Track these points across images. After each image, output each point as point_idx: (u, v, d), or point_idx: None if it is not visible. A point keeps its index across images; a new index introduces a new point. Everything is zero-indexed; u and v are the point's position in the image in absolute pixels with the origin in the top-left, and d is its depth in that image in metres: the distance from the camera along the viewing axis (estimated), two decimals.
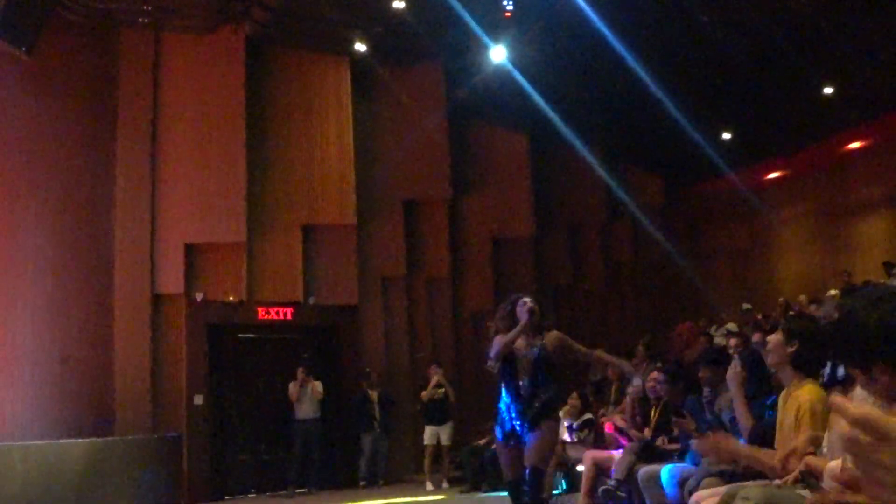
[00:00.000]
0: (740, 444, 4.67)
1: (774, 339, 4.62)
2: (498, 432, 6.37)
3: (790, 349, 4.46)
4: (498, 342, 6.36)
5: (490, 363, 6.46)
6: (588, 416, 11.47)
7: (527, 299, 6.54)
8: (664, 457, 7.29)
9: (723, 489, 5.03)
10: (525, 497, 6.09)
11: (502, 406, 6.32)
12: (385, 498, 12.68)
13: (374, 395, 14.25)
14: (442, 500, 12.52)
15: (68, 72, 13.46)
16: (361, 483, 14.16)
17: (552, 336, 6.50)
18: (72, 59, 13.49)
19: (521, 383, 6.27)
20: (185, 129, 13.89)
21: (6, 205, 12.72)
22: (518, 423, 6.19)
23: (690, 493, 5.68)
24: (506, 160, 17.15)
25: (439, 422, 13.85)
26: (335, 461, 14.32)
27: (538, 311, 6.48)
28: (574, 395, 11.87)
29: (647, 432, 8.61)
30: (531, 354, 6.35)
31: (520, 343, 6.35)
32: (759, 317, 14.84)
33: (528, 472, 6.05)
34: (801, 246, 19.12)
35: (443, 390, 14.06)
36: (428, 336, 16.02)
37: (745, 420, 5.46)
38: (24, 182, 12.91)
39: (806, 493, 3.69)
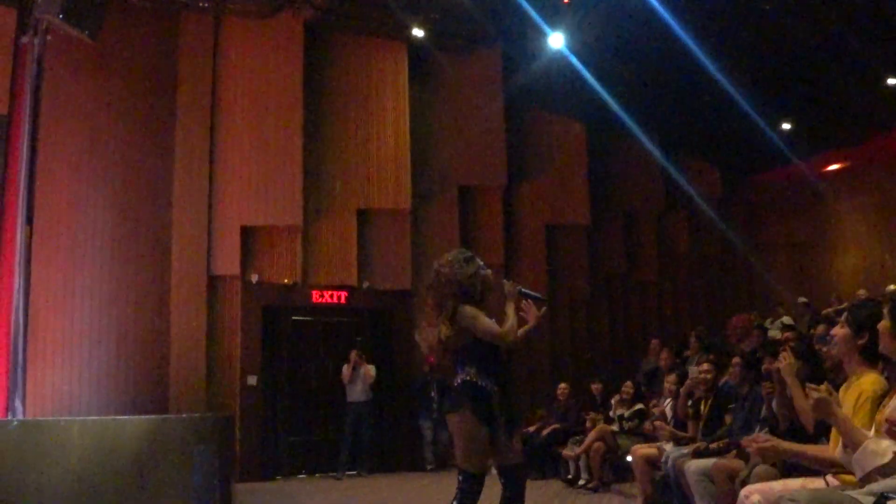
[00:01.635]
0: (785, 443, 4.60)
1: (841, 332, 4.53)
2: (475, 412, 5.09)
3: (860, 341, 4.38)
4: (487, 322, 5.22)
5: (428, 347, 5.36)
6: (639, 406, 11.43)
7: (480, 260, 5.56)
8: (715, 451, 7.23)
9: (776, 485, 5.00)
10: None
11: (482, 383, 5.14)
12: (435, 483, 12.74)
13: (433, 380, 14.27)
14: None
15: (130, 56, 13.64)
16: (429, 467, 14.24)
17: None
18: (133, 43, 13.67)
19: (505, 366, 5.37)
20: (243, 112, 14.02)
21: (69, 186, 12.95)
22: (499, 410, 5.15)
23: (743, 484, 5.64)
24: (562, 148, 17.07)
25: None
26: (386, 444, 14.41)
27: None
28: (628, 383, 11.84)
29: (692, 428, 8.57)
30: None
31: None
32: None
33: (516, 467, 5.24)
34: (860, 239, 18.80)
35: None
36: None
37: (806, 412, 5.38)
38: (86, 164, 13.14)
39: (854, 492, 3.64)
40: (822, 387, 4.16)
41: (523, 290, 5.50)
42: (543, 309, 5.60)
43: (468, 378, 5.13)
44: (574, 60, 14.58)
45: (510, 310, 5.34)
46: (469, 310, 5.22)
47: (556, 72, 15.00)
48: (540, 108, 16.94)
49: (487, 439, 5.05)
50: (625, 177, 18.07)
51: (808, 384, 4.07)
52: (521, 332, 5.33)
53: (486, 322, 5.20)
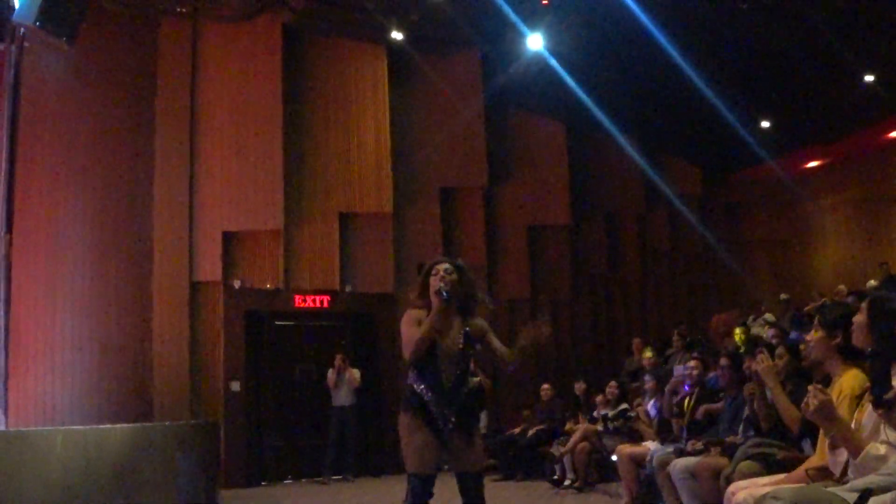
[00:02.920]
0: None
1: (816, 336, 4.57)
2: (412, 411, 4.97)
3: (834, 341, 4.44)
4: (407, 334, 5.01)
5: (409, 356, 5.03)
6: (624, 405, 11.46)
7: (442, 265, 5.10)
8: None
9: (761, 481, 5.02)
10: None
11: (417, 387, 5.00)
12: None
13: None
14: None
15: (108, 61, 13.59)
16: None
17: (476, 323, 5.15)
18: (111, 49, 13.63)
19: (442, 372, 4.97)
20: (223, 117, 13.99)
21: (47, 194, 12.89)
22: (437, 411, 4.94)
23: (728, 481, 5.65)
24: (542, 148, 17.11)
25: None
26: (371, 448, 14.38)
27: (459, 284, 5.06)
28: (612, 383, 11.87)
29: (676, 426, 8.59)
30: (458, 343, 5.04)
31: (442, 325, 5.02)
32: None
33: (471, 476, 5.02)
34: (841, 235, 18.89)
35: (478, 379, 14.07)
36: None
37: (790, 412, 5.40)
38: (65, 171, 13.08)
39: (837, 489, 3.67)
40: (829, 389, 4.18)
41: (441, 289, 4.97)
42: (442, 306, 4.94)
43: (408, 382, 5.07)
44: (553, 61, 14.61)
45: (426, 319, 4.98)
46: (406, 315, 5.11)
47: (535, 73, 15.04)
48: (520, 109, 16.98)
49: (426, 441, 4.90)
50: (605, 176, 18.11)
51: (815, 385, 4.08)
52: (415, 341, 4.91)
53: (404, 332, 5.02)
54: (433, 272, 5.07)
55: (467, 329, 5.06)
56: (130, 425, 8.43)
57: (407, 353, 4.95)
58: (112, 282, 13.18)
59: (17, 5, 10.41)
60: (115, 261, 13.24)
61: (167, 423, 10.21)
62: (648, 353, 12.26)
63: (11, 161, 12.59)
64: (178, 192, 13.66)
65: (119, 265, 13.27)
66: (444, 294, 4.92)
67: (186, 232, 13.62)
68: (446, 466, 5.00)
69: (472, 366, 5.29)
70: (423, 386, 4.96)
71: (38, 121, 12.96)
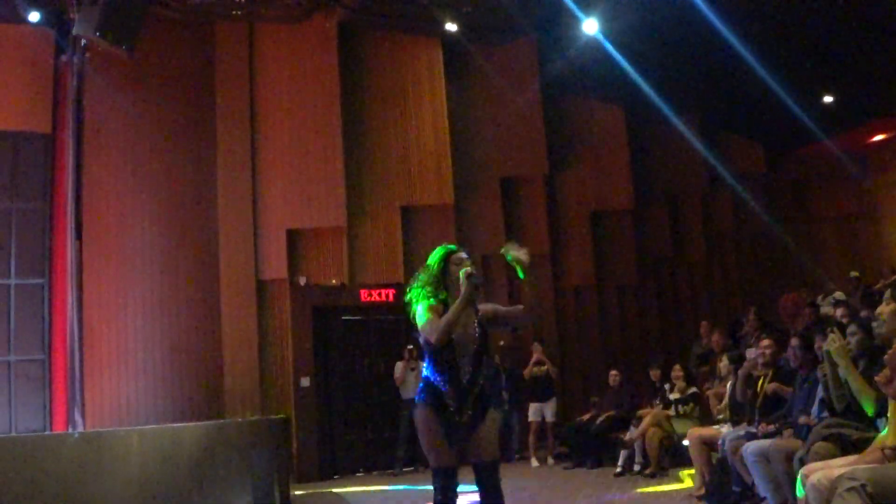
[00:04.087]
0: None
1: (888, 309, 4.50)
2: (430, 405, 4.89)
3: None
4: (432, 320, 4.84)
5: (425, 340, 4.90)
6: (693, 389, 11.38)
7: (463, 255, 5.06)
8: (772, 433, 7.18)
9: (835, 462, 4.96)
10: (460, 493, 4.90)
11: (434, 380, 4.92)
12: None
13: (502, 368, 14.29)
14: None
15: (168, 67, 13.81)
16: None
17: (487, 309, 5.07)
18: (170, 55, 13.85)
19: (460, 363, 4.88)
20: (282, 117, 14.12)
21: (114, 200, 13.15)
22: (454, 405, 4.84)
23: (802, 463, 5.60)
24: (602, 133, 17.00)
25: (543, 398, 13.89)
26: None
27: (481, 281, 4.97)
28: (677, 367, 11.79)
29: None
30: (473, 333, 4.94)
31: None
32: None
33: (486, 465, 4.90)
34: None
35: (545, 367, 14.08)
36: None
37: (866, 391, 5.32)
38: (131, 177, 13.33)
39: None
40: None
41: (473, 275, 4.85)
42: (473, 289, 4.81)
43: (423, 375, 4.97)
44: (609, 45, 14.49)
45: (453, 305, 4.83)
46: (420, 307, 4.92)
47: (591, 57, 14.92)
48: (577, 95, 16.89)
49: (444, 434, 4.81)
50: (666, 159, 17.94)
51: None
52: (444, 324, 4.75)
53: (425, 321, 4.84)
54: (454, 261, 4.99)
55: (479, 316, 4.96)
56: (204, 423, 8.58)
57: (435, 336, 4.75)
58: (180, 283, 13.41)
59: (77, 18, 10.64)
60: (182, 263, 13.48)
61: (240, 420, 10.37)
62: (716, 336, 12.12)
63: (78, 169, 12.86)
64: (241, 192, 13.84)
65: (186, 267, 13.50)
66: (476, 280, 4.81)
67: (251, 231, 13.81)
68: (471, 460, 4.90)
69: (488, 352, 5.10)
70: (439, 378, 4.87)
71: (102, 129, 13.21)
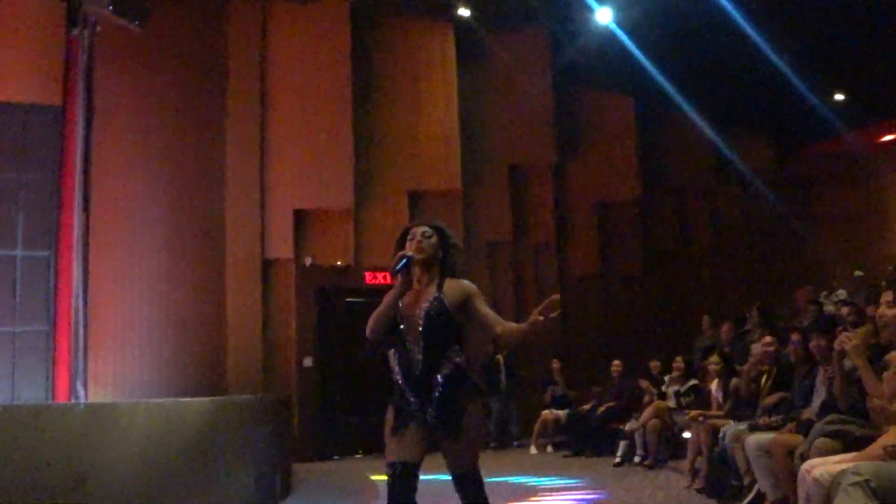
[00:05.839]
0: None
1: (891, 312, 4.49)
2: (392, 404, 4.50)
3: None
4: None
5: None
6: (694, 381, 11.39)
7: (419, 229, 4.53)
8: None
9: (836, 458, 4.97)
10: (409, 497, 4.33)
11: (394, 376, 4.50)
12: (497, 459, 12.79)
13: (500, 359, 14.35)
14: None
15: (179, 44, 13.78)
16: (491, 444, 14.35)
17: (456, 286, 4.44)
18: (182, 31, 13.82)
19: (410, 353, 4.38)
20: (292, 97, 14.11)
21: (122, 175, 13.15)
22: (415, 402, 4.37)
23: (802, 458, 5.60)
24: (611, 124, 17.00)
25: (559, 408, 13.96)
26: None
27: (431, 248, 4.45)
28: (678, 359, 11.80)
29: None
30: (419, 312, 4.38)
31: (408, 297, 4.43)
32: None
33: (458, 478, 4.42)
34: None
35: (561, 388, 14.23)
36: (534, 301, 16.01)
37: (877, 390, 5.31)
38: (139, 153, 13.32)
39: None
40: None
41: (405, 254, 4.43)
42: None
43: (462, 364, 4.45)
44: (621, 35, 14.47)
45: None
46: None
47: (603, 47, 14.92)
48: (588, 85, 16.87)
49: (395, 427, 4.36)
50: (675, 151, 17.93)
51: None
52: (371, 319, 4.40)
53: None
54: (409, 237, 4.51)
55: (439, 294, 4.39)
56: (209, 399, 8.61)
57: (367, 330, 4.39)
58: (186, 260, 13.42)
59: None
60: (188, 239, 13.48)
61: (244, 397, 10.39)
62: (726, 329, 12.10)
63: (87, 143, 12.82)
64: (249, 171, 13.84)
65: (193, 244, 13.51)
66: (404, 261, 4.37)
67: (258, 210, 13.82)
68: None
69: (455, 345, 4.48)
70: (396, 370, 4.44)
71: (112, 103, 13.18)
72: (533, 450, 13.56)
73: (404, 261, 4.36)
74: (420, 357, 4.34)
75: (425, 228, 4.51)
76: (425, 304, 4.36)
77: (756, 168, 18.29)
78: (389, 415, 4.44)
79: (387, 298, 4.37)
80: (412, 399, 4.34)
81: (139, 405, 6.82)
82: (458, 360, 4.37)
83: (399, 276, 4.38)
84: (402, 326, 4.38)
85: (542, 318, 4.20)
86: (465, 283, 4.48)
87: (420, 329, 4.34)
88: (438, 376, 4.32)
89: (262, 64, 14.18)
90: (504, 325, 4.41)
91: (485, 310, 4.42)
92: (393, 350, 4.46)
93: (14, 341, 12.38)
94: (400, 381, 4.40)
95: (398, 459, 4.32)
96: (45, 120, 12.90)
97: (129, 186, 13.19)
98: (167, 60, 13.65)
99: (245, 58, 14.10)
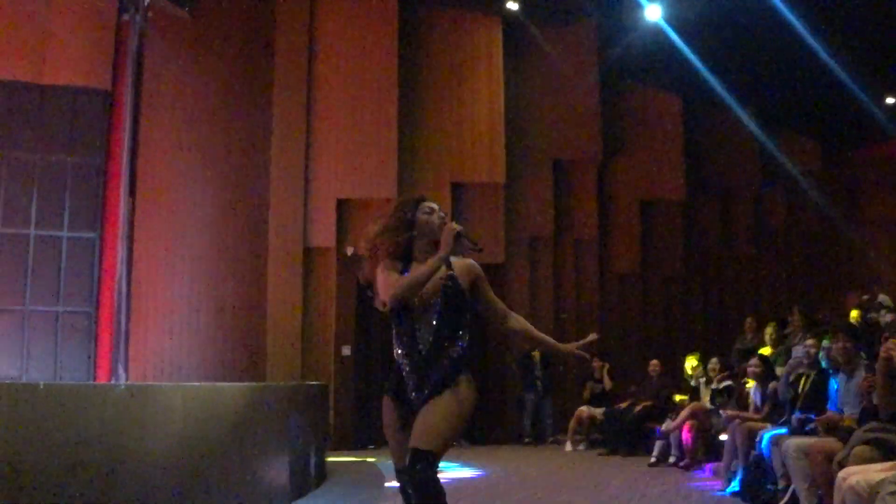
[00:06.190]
0: None
1: None
2: (390, 393, 4.17)
3: None
4: (390, 277, 4.11)
5: (379, 303, 4.22)
6: (728, 382, 11.27)
7: (433, 205, 4.26)
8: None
9: (875, 467, 4.92)
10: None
11: (396, 356, 4.22)
12: (531, 455, 12.79)
13: (536, 355, 14.36)
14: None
15: (227, 31, 13.88)
16: (526, 440, 14.36)
17: (464, 265, 4.20)
18: (230, 19, 13.92)
19: (417, 332, 4.09)
20: (338, 87, 14.17)
21: (169, 161, 13.26)
22: (413, 384, 4.08)
23: (840, 465, 5.55)
24: (658, 122, 16.91)
25: (597, 405, 13.91)
26: (482, 416, 14.50)
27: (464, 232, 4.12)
28: (713, 360, 11.71)
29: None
30: (435, 291, 4.08)
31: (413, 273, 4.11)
32: None
33: (408, 458, 3.92)
34: None
35: (602, 385, 14.16)
36: (573, 297, 16.01)
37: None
38: (186, 139, 13.43)
39: None
40: None
41: (462, 234, 4.11)
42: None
43: (467, 346, 4.15)
44: (671, 32, 14.38)
45: (429, 259, 4.05)
46: (381, 267, 4.18)
47: (652, 44, 14.83)
48: (636, 82, 16.81)
49: (398, 430, 4.08)
50: (721, 151, 17.81)
51: None
52: (407, 282, 4.02)
53: (385, 279, 4.12)
54: (425, 209, 4.21)
55: (452, 273, 4.12)
56: (247, 384, 8.66)
57: (388, 294, 4.04)
58: (229, 246, 13.52)
59: None
60: (232, 226, 13.58)
61: (282, 384, 10.45)
62: (770, 331, 11.98)
63: (135, 127, 12.95)
64: (293, 159, 13.92)
65: (236, 230, 13.61)
66: (464, 235, 4.09)
67: (301, 199, 13.89)
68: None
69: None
70: (399, 352, 4.14)
71: (160, 89, 13.30)
72: (568, 446, 13.53)
73: (456, 234, 4.06)
74: (430, 338, 4.06)
75: (435, 204, 4.28)
76: (440, 283, 4.06)
77: (803, 170, 18.10)
78: (387, 408, 4.15)
79: (427, 269, 4.00)
80: (410, 382, 4.05)
81: (179, 388, 6.87)
82: (463, 344, 4.12)
83: (454, 246, 4.07)
84: (412, 303, 4.06)
85: (581, 353, 4.22)
86: (471, 262, 4.25)
87: (436, 308, 4.07)
88: (445, 360, 4.05)
89: (309, 52, 14.24)
90: (519, 321, 4.29)
91: (491, 295, 4.27)
92: (397, 329, 4.17)
93: (58, 322, 12.54)
94: (401, 362, 4.11)
95: (399, 467, 4.08)
96: (95, 103, 13.04)
97: (174, 171, 13.30)
98: (215, 47, 13.75)
99: (292, 46, 14.17)
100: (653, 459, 11.38)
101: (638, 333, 16.31)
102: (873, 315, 11.96)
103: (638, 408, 12.68)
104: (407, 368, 4.07)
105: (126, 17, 13.10)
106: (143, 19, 12.94)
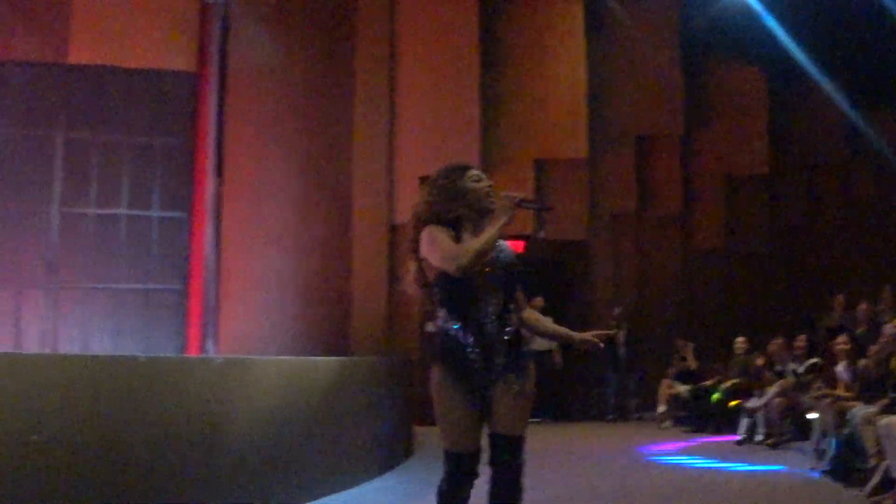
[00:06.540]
0: None
1: None
2: (448, 366, 3.98)
3: None
4: (447, 244, 3.85)
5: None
6: (815, 360, 11.11)
7: (481, 174, 4.17)
8: None
9: None
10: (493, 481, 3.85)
11: (450, 330, 3.97)
12: (611, 433, 12.78)
13: (620, 333, 14.31)
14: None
15: (311, 11, 13.97)
16: (608, 417, 14.37)
17: (505, 245, 4.11)
18: None
19: (481, 304, 3.88)
20: (421, 65, 14.20)
21: (254, 142, 13.43)
22: (479, 359, 3.88)
23: None
24: (741, 95, 16.65)
25: (684, 382, 13.86)
26: (567, 394, 14.53)
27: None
28: (800, 337, 11.56)
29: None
30: (502, 260, 3.96)
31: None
32: None
33: (500, 439, 3.84)
34: None
35: (687, 363, 14.09)
36: (657, 273, 15.90)
37: None
38: (270, 120, 13.56)
39: None
40: None
41: (525, 200, 4.10)
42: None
43: (440, 324, 3.99)
44: (754, 4, 14.15)
45: (489, 228, 3.88)
46: (427, 232, 3.94)
47: (735, 16, 14.62)
48: (718, 55, 16.55)
49: (465, 407, 3.90)
50: (807, 124, 17.44)
51: None
52: (474, 249, 3.79)
53: (441, 245, 3.84)
54: (473, 177, 4.09)
55: (506, 246, 4.01)
56: (337, 358, 8.78)
57: (454, 264, 3.75)
58: (314, 224, 13.65)
59: None
60: (317, 203, 13.70)
61: (371, 358, 10.59)
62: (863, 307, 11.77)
63: (220, 109, 13.15)
64: (377, 137, 13.98)
65: (321, 208, 13.73)
66: (521, 202, 4.00)
67: (385, 176, 13.96)
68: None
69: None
70: (458, 327, 3.91)
71: (244, 70, 13.44)
72: (667, 423, 13.50)
73: (520, 201, 4.00)
74: (492, 311, 3.87)
75: (487, 177, 4.19)
76: (500, 254, 3.94)
77: (892, 143, 17.66)
78: (444, 388, 3.97)
79: (488, 236, 3.82)
80: (477, 359, 3.86)
81: (271, 361, 7.02)
82: (516, 318, 4.01)
83: (522, 209, 4.01)
84: (474, 277, 3.84)
85: (593, 340, 4.18)
86: (506, 243, 4.09)
87: (500, 279, 3.91)
88: (507, 336, 3.91)
89: (392, 32, 14.29)
90: (533, 314, 4.26)
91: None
92: (450, 302, 3.95)
93: (148, 299, 12.85)
94: (466, 340, 3.88)
95: (463, 451, 3.90)
96: (180, 86, 13.26)
97: (260, 151, 13.46)
98: (299, 28, 13.85)
99: (375, 25, 14.22)
100: (740, 437, 11.30)
101: (722, 310, 16.13)
102: None
103: (724, 385, 12.57)
104: (472, 344, 3.87)
105: (210, 2, 13.31)
106: (227, 1, 13.12)
